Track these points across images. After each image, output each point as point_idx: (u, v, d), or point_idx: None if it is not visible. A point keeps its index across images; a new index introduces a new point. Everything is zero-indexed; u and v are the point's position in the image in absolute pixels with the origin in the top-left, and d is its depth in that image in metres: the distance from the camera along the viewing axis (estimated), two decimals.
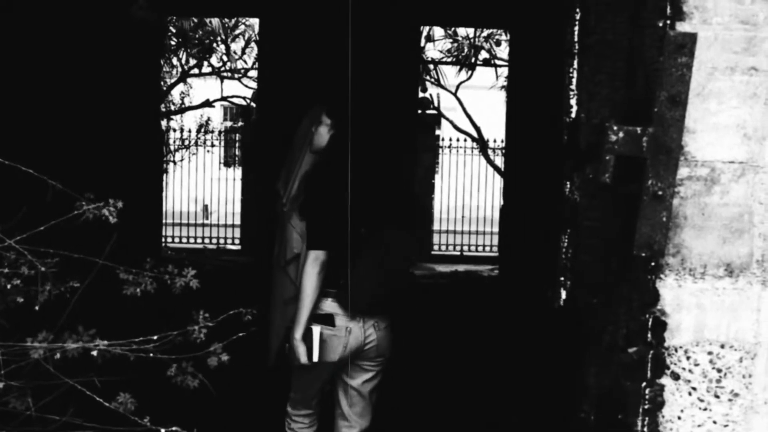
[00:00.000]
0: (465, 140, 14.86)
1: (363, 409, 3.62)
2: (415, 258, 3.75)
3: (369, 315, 3.44)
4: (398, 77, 9.31)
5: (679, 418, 2.53)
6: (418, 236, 3.75)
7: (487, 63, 14.52)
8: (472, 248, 14.10)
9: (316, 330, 3.36)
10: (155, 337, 2.15)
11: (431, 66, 14.59)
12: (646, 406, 2.52)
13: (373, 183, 3.60)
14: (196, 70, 14.59)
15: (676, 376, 2.52)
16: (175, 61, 14.27)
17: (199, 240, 14.06)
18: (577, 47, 2.46)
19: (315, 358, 3.36)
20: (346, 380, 3.57)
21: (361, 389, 3.59)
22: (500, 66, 14.31)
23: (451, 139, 14.75)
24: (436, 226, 14.01)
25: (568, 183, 2.52)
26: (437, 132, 16.29)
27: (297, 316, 3.37)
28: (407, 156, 9.81)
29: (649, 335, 2.50)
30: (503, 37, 13.76)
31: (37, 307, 2.25)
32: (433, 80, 14.58)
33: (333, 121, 3.74)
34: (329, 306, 3.42)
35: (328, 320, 3.40)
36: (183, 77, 14.45)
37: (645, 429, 2.53)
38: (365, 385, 3.59)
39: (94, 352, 2.20)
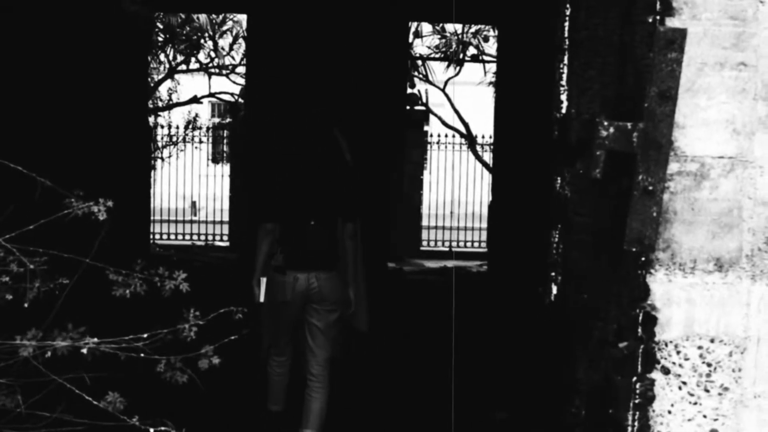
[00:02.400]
0: (453, 136, 14.86)
1: (323, 342, 4.63)
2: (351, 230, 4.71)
3: (311, 269, 4.51)
4: (386, 73, 9.30)
5: (670, 412, 2.54)
6: (356, 225, 4.75)
7: (475, 59, 14.52)
8: (461, 244, 14.11)
9: (263, 279, 4.52)
10: (145, 335, 2.14)
11: (419, 62, 14.58)
12: (636, 401, 2.53)
13: (324, 181, 4.59)
14: (183, 67, 14.53)
15: (666, 371, 2.53)
16: (162, 57, 14.20)
17: (187, 237, 14.02)
18: (567, 43, 2.46)
19: (261, 299, 4.52)
20: (308, 320, 4.60)
21: (319, 325, 4.60)
22: (488, 62, 14.31)
23: (439, 135, 14.75)
24: (424, 222, 14.02)
25: (558, 178, 2.52)
26: (425, 128, 16.27)
27: (255, 267, 4.58)
28: (394, 155, 9.82)
29: (639, 330, 2.51)
30: (491, 33, 13.76)
31: (26, 305, 2.24)
32: (421, 76, 14.57)
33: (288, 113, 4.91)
34: (281, 260, 4.55)
35: (280, 270, 4.53)
36: (170, 73, 14.38)
37: (635, 423, 2.53)
38: (321, 323, 4.60)
39: (84, 350, 2.19)
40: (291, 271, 4.51)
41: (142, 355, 2.17)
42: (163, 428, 2.20)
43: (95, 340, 2.20)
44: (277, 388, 4.91)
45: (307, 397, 4.62)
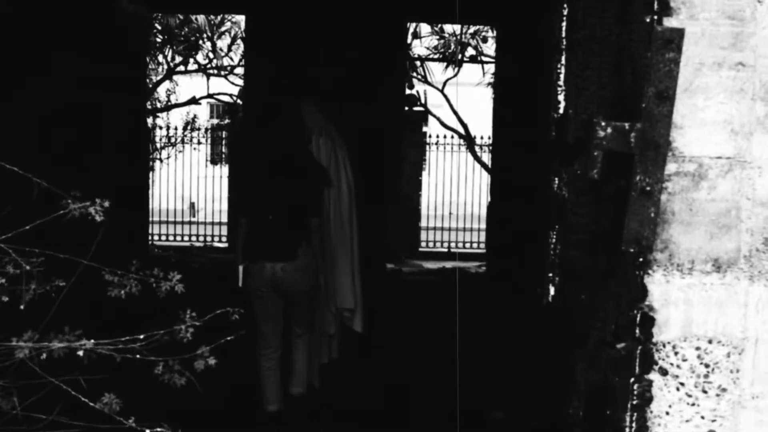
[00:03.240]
0: (452, 137, 14.85)
1: (305, 321, 5.14)
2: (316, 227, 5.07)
3: (274, 259, 4.92)
4: (385, 74, 9.29)
5: (667, 413, 2.54)
6: (320, 219, 5.13)
7: (473, 60, 14.51)
8: (460, 245, 14.10)
9: (241, 267, 4.97)
10: (141, 336, 2.13)
11: (418, 63, 14.57)
12: (634, 402, 2.52)
13: (284, 178, 4.92)
14: (182, 68, 14.52)
15: (664, 372, 2.52)
16: (160, 58, 14.18)
17: (186, 238, 14.01)
18: (564, 43, 2.46)
19: (240, 284, 4.95)
20: (288, 307, 5.08)
21: (297, 310, 5.09)
22: (487, 63, 14.30)
23: (438, 136, 14.74)
24: (423, 223, 14.01)
25: (556, 179, 2.51)
26: (424, 129, 16.26)
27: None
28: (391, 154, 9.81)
29: (637, 331, 2.50)
30: (490, 33, 13.75)
31: (22, 306, 2.23)
32: (419, 77, 14.56)
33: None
34: (249, 249, 4.99)
35: (251, 259, 4.95)
36: (169, 74, 14.36)
37: (633, 424, 2.53)
38: (297, 308, 5.08)
39: (80, 352, 2.18)
40: (260, 260, 4.93)
41: (138, 356, 2.16)
42: (159, 429, 2.19)
43: (92, 342, 2.19)
44: (269, 386, 5.07)
45: (293, 359, 5.16)
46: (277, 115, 5.14)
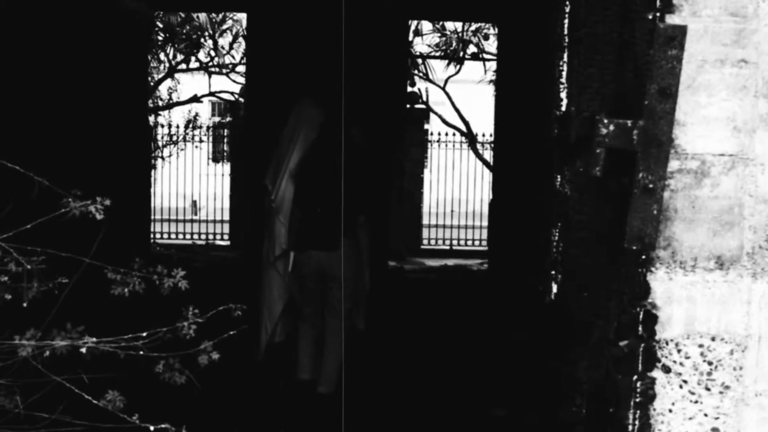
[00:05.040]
0: (454, 134, 14.84)
1: (338, 311, 5.39)
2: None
3: (321, 248, 5.37)
4: (386, 71, 9.28)
5: (670, 411, 2.53)
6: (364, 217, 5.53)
7: (475, 57, 14.48)
8: (462, 242, 14.10)
9: (291, 255, 5.45)
10: (144, 334, 2.13)
11: (419, 60, 14.55)
12: (637, 400, 2.52)
13: (334, 175, 5.19)
14: (183, 66, 14.50)
15: (667, 369, 2.52)
16: (162, 56, 14.17)
17: (188, 236, 14.00)
18: (567, 40, 2.45)
19: (289, 268, 5.47)
20: (327, 293, 5.44)
21: (333, 298, 5.41)
22: (488, 60, 14.27)
23: (440, 134, 14.73)
24: (425, 221, 13.99)
25: (558, 176, 2.51)
26: (426, 126, 16.23)
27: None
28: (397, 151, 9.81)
29: (640, 328, 2.50)
30: (491, 31, 13.73)
31: (25, 304, 2.23)
32: (421, 75, 14.54)
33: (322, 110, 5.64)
34: (295, 239, 5.43)
35: (299, 248, 5.42)
36: (170, 73, 14.35)
37: (636, 422, 2.53)
38: (333, 296, 5.40)
39: (83, 350, 2.18)
40: (307, 249, 5.41)
41: (141, 352, 2.16)
42: (162, 425, 2.19)
43: (94, 339, 2.19)
44: (305, 356, 5.52)
45: (324, 360, 5.46)
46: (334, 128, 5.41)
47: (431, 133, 15.34)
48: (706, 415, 2.54)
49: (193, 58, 14.44)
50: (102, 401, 2.17)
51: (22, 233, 2.28)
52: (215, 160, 16.51)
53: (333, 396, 5.34)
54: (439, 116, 14.79)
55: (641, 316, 2.49)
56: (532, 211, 6.66)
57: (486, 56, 14.32)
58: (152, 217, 11.43)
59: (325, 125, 5.53)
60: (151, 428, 2.09)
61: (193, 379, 2.36)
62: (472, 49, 14.45)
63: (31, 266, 2.15)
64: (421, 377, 6.08)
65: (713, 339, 2.52)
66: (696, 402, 2.53)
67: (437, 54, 14.62)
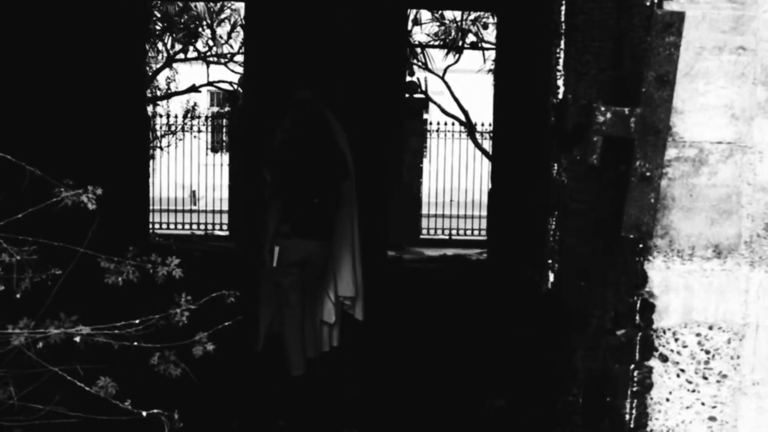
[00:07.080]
0: (453, 124, 14.81)
1: (315, 288, 5.67)
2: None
3: (313, 238, 5.52)
4: (385, 61, 9.25)
5: (668, 400, 2.53)
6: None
7: (474, 46, 14.44)
8: (461, 232, 14.09)
9: (276, 248, 5.45)
10: (137, 321, 2.12)
11: (418, 50, 14.51)
12: (634, 389, 2.51)
13: (321, 163, 5.53)
14: (181, 55, 14.45)
15: (664, 358, 2.51)
16: (160, 46, 14.12)
17: (186, 226, 13.99)
18: (563, 27, 2.43)
19: (274, 264, 5.47)
20: (306, 279, 5.58)
21: (313, 281, 5.63)
22: (487, 49, 14.23)
23: (438, 123, 14.70)
24: (424, 210, 13.97)
25: (555, 165, 2.49)
26: (425, 116, 16.21)
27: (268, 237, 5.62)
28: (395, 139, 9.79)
29: (637, 317, 2.49)
30: (490, 20, 13.68)
31: (18, 295, 2.22)
32: (420, 64, 14.49)
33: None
34: (288, 228, 5.48)
35: (287, 236, 5.45)
36: (169, 62, 14.31)
37: (633, 411, 2.52)
38: (313, 280, 5.63)
39: (77, 339, 2.17)
40: (295, 238, 5.46)
41: (135, 343, 2.15)
42: (155, 410, 2.18)
43: (88, 328, 2.18)
44: (295, 352, 5.53)
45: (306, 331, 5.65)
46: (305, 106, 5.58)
47: (430, 123, 15.31)
48: (703, 404, 2.53)
49: (191, 48, 14.40)
50: (94, 388, 2.16)
51: (16, 224, 2.27)
52: (214, 150, 16.48)
53: (330, 383, 5.45)
54: (438, 106, 14.75)
55: (638, 305, 2.48)
56: (531, 200, 6.64)
57: (485, 45, 14.28)
58: (151, 207, 11.41)
59: (296, 106, 5.62)
60: (144, 414, 2.08)
61: (190, 373, 2.34)
62: (471, 38, 14.40)
63: (21, 257, 2.13)
64: (419, 367, 6.07)
65: (711, 328, 2.51)
66: (693, 391, 2.52)
67: (436, 43, 14.57)
